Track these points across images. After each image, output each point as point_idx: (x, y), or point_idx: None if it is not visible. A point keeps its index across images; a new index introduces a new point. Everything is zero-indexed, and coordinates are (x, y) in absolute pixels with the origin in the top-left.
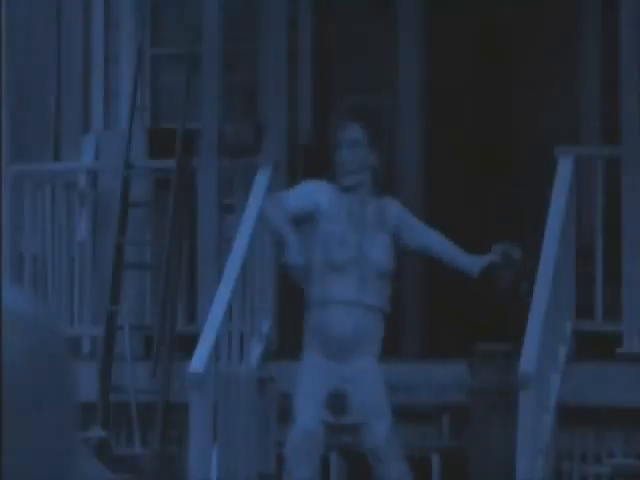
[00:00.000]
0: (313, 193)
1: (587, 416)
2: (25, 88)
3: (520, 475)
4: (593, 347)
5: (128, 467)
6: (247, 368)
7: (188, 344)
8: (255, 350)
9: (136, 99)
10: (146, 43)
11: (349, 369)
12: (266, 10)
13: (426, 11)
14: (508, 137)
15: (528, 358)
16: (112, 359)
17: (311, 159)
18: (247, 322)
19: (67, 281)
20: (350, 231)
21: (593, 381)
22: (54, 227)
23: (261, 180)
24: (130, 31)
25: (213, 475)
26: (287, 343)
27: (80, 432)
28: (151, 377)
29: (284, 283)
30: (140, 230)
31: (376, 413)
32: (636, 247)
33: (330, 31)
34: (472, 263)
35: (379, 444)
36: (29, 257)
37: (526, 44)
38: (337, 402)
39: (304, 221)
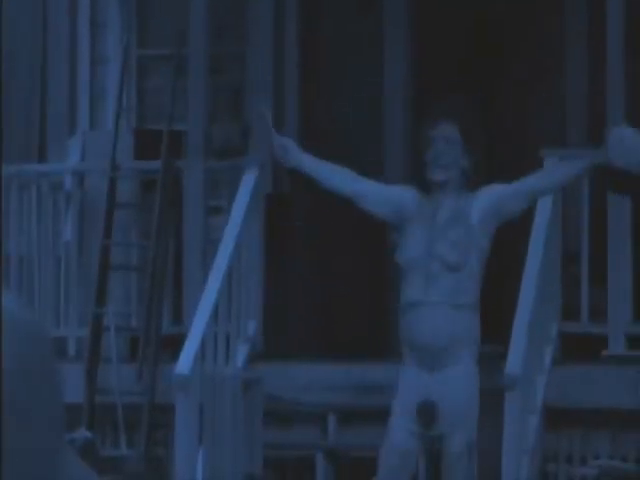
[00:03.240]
0: (398, 194)
1: (573, 418)
2: (10, 89)
3: (506, 476)
4: (579, 349)
5: (114, 468)
6: (233, 370)
7: (174, 345)
8: (241, 351)
9: (122, 100)
10: (132, 44)
11: (436, 378)
12: (252, 12)
13: (415, 8)
14: (497, 135)
15: (514, 360)
16: (98, 360)
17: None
18: (233, 323)
19: (53, 282)
20: (418, 233)
21: (579, 383)
22: (40, 228)
23: (247, 181)
24: (116, 32)
25: (199, 476)
26: (273, 344)
27: (66, 433)
28: (137, 378)
29: (269, 284)
30: (126, 231)
31: (454, 426)
32: (621, 249)
33: (317, 31)
34: (581, 163)
35: (450, 460)
36: (15, 258)
37: (518, 40)
38: (424, 415)
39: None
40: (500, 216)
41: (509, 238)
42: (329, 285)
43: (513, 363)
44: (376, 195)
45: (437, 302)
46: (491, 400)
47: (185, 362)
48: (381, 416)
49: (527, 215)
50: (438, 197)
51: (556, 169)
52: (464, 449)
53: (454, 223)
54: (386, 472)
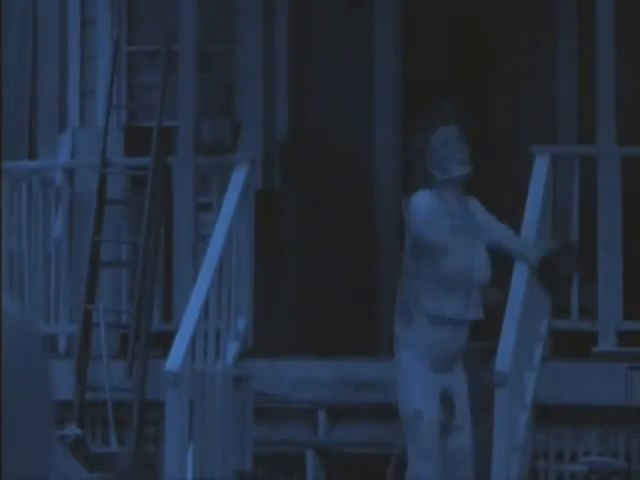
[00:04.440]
0: (430, 216)
1: (563, 414)
2: (1, 85)
3: (496, 473)
4: (569, 346)
5: (104, 465)
6: (223, 366)
7: (164, 342)
8: (231, 348)
9: (112, 97)
10: (122, 41)
11: (447, 378)
12: (243, 9)
13: (404, 8)
14: (490, 137)
15: (503, 357)
16: (88, 357)
17: (287, 157)
18: (223, 320)
19: (43, 279)
20: (457, 245)
21: (569, 379)
22: (30, 224)
23: (238, 178)
24: (106, 29)
25: (189, 473)
26: (264, 341)
27: (56, 430)
28: (127, 375)
29: (259, 281)
30: (116, 228)
31: (465, 419)
32: (611, 246)
33: (307, 28)
34: (533, 252)
35: (462, 458)
36: (5, 254)
37: (509, 39)
38: (449, 405)
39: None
40: None
41: None
42: (320, 282)
43: (503, 360)
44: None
45: (471, 319)
46: (479, 397)
47: (175, 359)
48: (372, 413)
49: (518, 212)
50: (451, 197)
51: (520, 240)
52: (466, 451)
53: (476, 234)
54: (429, 451)
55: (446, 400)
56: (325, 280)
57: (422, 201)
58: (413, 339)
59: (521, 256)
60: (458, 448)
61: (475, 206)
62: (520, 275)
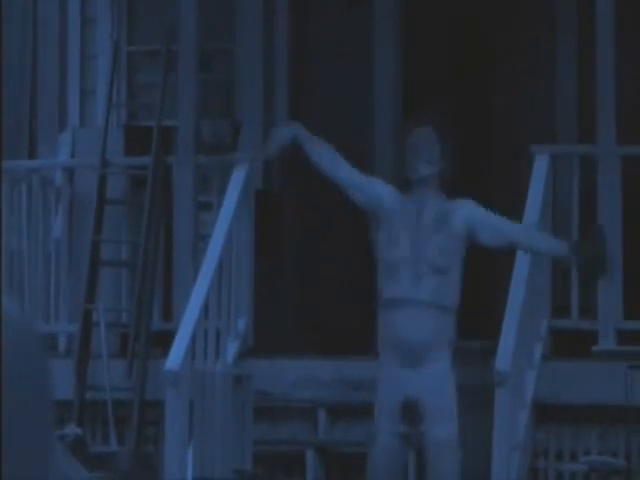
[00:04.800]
0: (380, 189)
1: (563, 414)
2: (1, 85)
3: (496, 472)
4: (569, 345)
5: (104, 465)
6: (223, 366)
7: (164, 342)
8: (231, 348)
9: (112, 96)
10: (122, 40)
11: (419, 374)
12: (243, 9)
13: (404, 8)
14: (490, 137)
15: (503, 356)
16: (88, 357)
17: (287, 157)
18: (223, 319)
19: (43, 278)
20: (402, 232)
21: (569, 378)
22: (30, 224)
23: (237, 177)
24: (106, 28)
25: (189, 473)
26: (263, 341)
27: (56, 430)
28: (127, 375)
29: (259, 281)
30: (116, 227)
31: (439, 419)
32: (611, 246)
33: (307, 28)
34: (558, 243)
35: (435, 451)
36: (6, 254)
37: (509, 39)
38: (410, 412)
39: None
40: (469, 239)
41: None
42: (320, 282)
43: (503, 359)
44: (360, 187)
45: (424, 301)
46: (479, 396)
47: (175, 358)
48: (371, 412)
49: (517, 211)
50: (420, 195)
51: (540, 236)
52: (448, 440)
53: (439, 226)
54: (376, 472)
55: (409, 407)
56: (325, 280)
57: (379, 182)
58: (381, 333)
59: (544, 252)
60: (439, 437)
61: (462, 211)
62: (519, 275)
